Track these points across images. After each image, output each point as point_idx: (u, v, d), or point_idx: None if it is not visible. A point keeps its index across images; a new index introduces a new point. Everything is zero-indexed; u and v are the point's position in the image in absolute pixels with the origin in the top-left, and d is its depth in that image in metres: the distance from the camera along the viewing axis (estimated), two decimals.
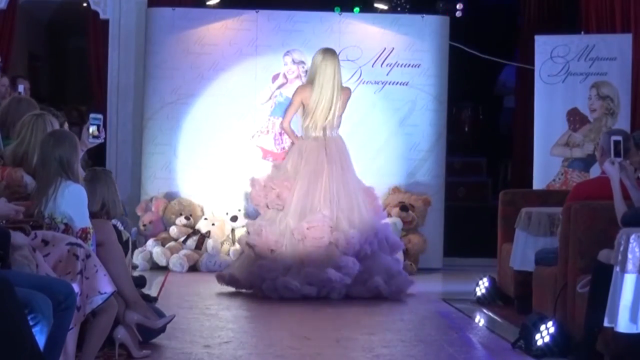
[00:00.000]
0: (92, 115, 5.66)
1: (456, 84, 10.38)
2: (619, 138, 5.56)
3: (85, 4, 10.89)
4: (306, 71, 9.19)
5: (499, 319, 6.95)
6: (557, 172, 9.60)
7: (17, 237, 4.04)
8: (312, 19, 9.78)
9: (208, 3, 11.46)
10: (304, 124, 8.08)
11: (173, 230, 9.44)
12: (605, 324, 4.95)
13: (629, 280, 4.80)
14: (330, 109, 8.00)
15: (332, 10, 9.96)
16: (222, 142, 9.63)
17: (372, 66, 9.74)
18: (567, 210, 5.80)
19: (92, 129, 5.59)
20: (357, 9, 10.21)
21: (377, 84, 9.75)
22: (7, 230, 4.06)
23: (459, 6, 11.82)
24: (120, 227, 6.17)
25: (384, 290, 7.68)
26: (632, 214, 5.25)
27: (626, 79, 9.51)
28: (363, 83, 9.73)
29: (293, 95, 8.28)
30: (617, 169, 5.51)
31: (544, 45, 9.70)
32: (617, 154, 5.52)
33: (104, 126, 5.99)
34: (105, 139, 6.39)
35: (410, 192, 9.65)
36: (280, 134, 9.50)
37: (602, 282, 5.05)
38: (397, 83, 9.74)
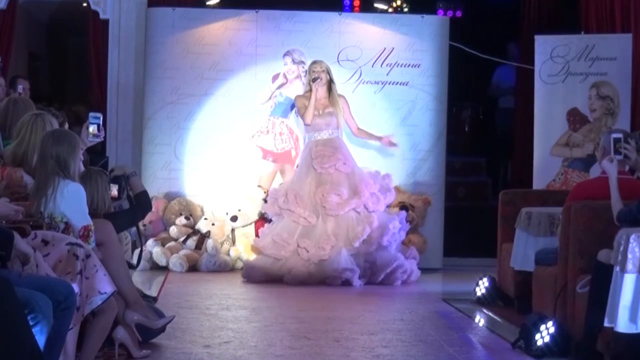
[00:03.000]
0: (91, 115, 5.66)
1: (456, 84, 10.37)
2: (620, 135, 5.57)
3: (85, 4, 10.88)
4: (306, 71, 9.20)
5: (499, 319, 6.95)
6: (557, 172, 9.60)
7: (22, 244, 4.03)
8: (312, 19, 9.78)
9: (208, 3, 11.47)
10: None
11: (173, 230, 9.44)
12: (605, 324, 4.95)
13: (628, 280, 4.80)
14: None
15: (332, 10, 9.95)
16: (222, 142, 9.64)
17: (372, 66, 9.74)
18: (567, 210, 5.80)
19: (92, 128, 5.58)
20: None
21: (377, 84, 9.75)
22: (12, 232, 4.06)
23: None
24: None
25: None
26: (627, 212, 5.26)
27: (626, 79, 9.50)
28: (363, 83, 9.73)
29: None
30: (616, 166, 5.52)
31: (544, 45, 9.70)
32: (617, 152, 5.53)
33: (104, 126, 5.99)
34: (105, 138, 6.39)
35: (410, 192, 9.65)
36: (281, 134, 9.50)
37: (602, 282, 5.05)
38: (397, 83, 9.74)
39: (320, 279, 8.39)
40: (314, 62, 8.94)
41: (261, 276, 8.48)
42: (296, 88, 9.41)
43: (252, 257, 9.02)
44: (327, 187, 8.63)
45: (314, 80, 8.82)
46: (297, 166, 9.08)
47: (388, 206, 8.94)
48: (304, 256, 8.44)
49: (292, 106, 9.33)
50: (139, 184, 5.96)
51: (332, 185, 8.65)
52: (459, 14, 12.52)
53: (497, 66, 11.99)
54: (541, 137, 9.69)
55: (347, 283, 8.36)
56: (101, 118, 5.66)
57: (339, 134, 8.95)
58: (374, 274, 8.49)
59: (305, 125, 8.91)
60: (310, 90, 8.83)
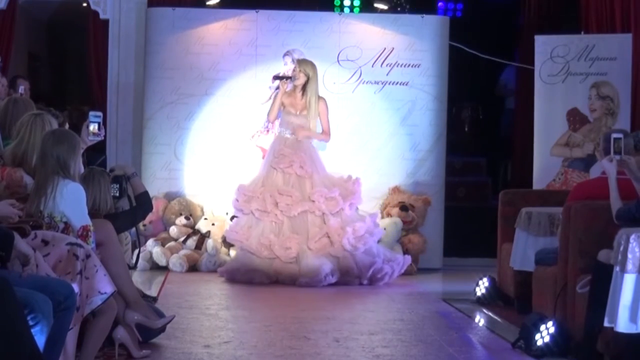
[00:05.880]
0: (91, 113, 5.65)
1: (456, 84, 10.37)
2: (620, 135, 5.58)
3: (85, 4, 10.89)
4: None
5: (499, 319, 6.95)
6: (557, 172, 9.60)
7: (22, 245, 4.03)
8: (312, 19, 9.78)
9: (208, 3, 11.46)
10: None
11: (173, 230, 9.44)
12: (605, 324, 4.96)
13: (629, 280, 4.80)
14: None
15: (332, 10, 9.95)
16: (221, 142, 9.64)
17: (372, 66, 9.74)
18: (567, 210, 5.80)
19: (92, 127, 5.58)
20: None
21: (377, 84, 9.75)
22: (12, 232, 4.05)
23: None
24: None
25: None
26: (626, 210, 5.27)
27: (626, 79, 9.50)
28: (363, 83, 9.73)
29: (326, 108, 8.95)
30: (615, 166, 5.53)
31: (544, 45, 9.70)
32: (617, 151, 5.53)
33: (104, 125, 5.98)
34: (105, 137, 6.39)
35: (410, 192, 9.65)
36: None
37: (602, 282, 5.06)
38: (397, 83, 9.74)
39: (293, 279, 8.39)
40: (299, 61, 8.96)
41: (249, 276, 8.45)
42: None
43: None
44: (282, 188, 8.69)
45: (280, 78, 8.91)
46: (263, 161, 9.07)
47: (357, 208, 8.90)
48: (280, 257, 8.47)
49: None
50: (140, 185, 5.96)
51: (288, 186, 8.71)
52: (459, 13, 12.52)
53: (504, 67, 12.00)
54: (541, 137, 9.69)
55: (322, 282, 8.32)
56: (101, 117, 5.65)
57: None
58: (359, 276, 8.49)
59: (276, 119, 9.00)
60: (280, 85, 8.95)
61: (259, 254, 8.52)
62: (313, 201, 8.63)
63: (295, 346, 5.81)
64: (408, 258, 8.85)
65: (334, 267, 8.42)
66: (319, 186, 8.71)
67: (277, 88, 9.36)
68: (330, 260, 8.47)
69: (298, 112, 8.87)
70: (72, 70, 14.57)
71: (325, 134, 8.96)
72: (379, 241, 8.82)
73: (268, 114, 9.05)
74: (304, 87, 8.86)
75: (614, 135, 5.58)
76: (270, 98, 9.45)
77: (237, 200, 8.79)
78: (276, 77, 8.99)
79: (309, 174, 8.77)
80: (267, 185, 8.77)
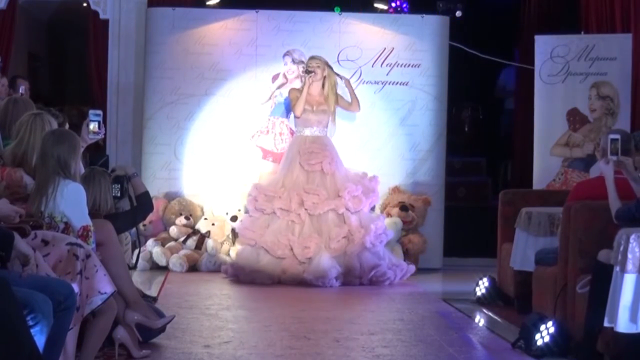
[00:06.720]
0: (91, 112, 5.65)
1: (456, 84, 10.37)
2: (617, 136, 5.58)
3: (85, 4, 10.89)
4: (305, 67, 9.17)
5: (499, 319, 6.95)
6: (557, 172, 9.60)
7: (22, 245, 4.03)
8: (312, 19, 9.79)
9: (208, 3, 11.46)
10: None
11: (173, 230, 9.44)
12: (605, 324, 4.96)
13: (629, 280, 4.80)
14: None
15: (332, 10, 9.95)
16: (222, 142, 9.64)
17: (372, 66, 9.74)
18: (567, 210, 5.80)
19: (93, 126, 5.58)
20: (337, 9, 10.08)
21: (377, 84, 9.75)
22: (12, 232, 4.05)
23: (458, 13, 11.76)
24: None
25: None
26: (626, 210, 5.27)
27: (626, 79, 9.50)
28: (363, 83, 9.73)
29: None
30: (612, 167, 5.53)
31: (544, 45, 9.71)
32: (613, 152, 5.53)
33: (104, 125, 5.98)
34: (105, 137, 6.39)
35: (410, 192, 9.65)
36: (281, 134, 9.49)
37: (602, 282, 5.06)
38: (397, 83, 9.75)
39: (297, 280, 8.37)
40: (311, 57, 8.95)
41: (251, 277, 8.44)
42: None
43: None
44: (307, 186, 8.65)
45: (307, 72, 8.83)
46: (283, 161, 9.04)
47: (373, 207, 8.94)
48: (297, 255, 8.46)
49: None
50: (140, 185, 5.96)
51: (313, 185, 8.67)
52: (459, 13, 12.51)
53: (503, 68, 11.99)
54: (541, 137, 9.69)
55: (326, 284, 8.31)
56: (101, 115, 5.65)
57: (327, 133, 8.94)
58: (361, 275, 8.48)
59: (296, 118, 8.94)
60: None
61: (272, 252, 8.48)
62: (340, 196, 8.61)
63: (295, 346, 5.81)
64: (412, 267, 8.82)
65: (341, 269, 8.42)
66: (346, 182, 8.70)
67: (279, 87, 9.36)
68: (343, 260, 8.44)
69: (315, 108, 8.85)
70: (72, 70, 14.57)
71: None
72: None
73: (295, 109, 8.87)
74: (324, 83, 8.87)
75: (611, 136, 5.58)
76: (270, 98, 9.45)
77: (257, 200, 8.73)
78: (309, 72, 8.86)
79: (332, 171, 8.76)
80: (287, 184, 8.73)
